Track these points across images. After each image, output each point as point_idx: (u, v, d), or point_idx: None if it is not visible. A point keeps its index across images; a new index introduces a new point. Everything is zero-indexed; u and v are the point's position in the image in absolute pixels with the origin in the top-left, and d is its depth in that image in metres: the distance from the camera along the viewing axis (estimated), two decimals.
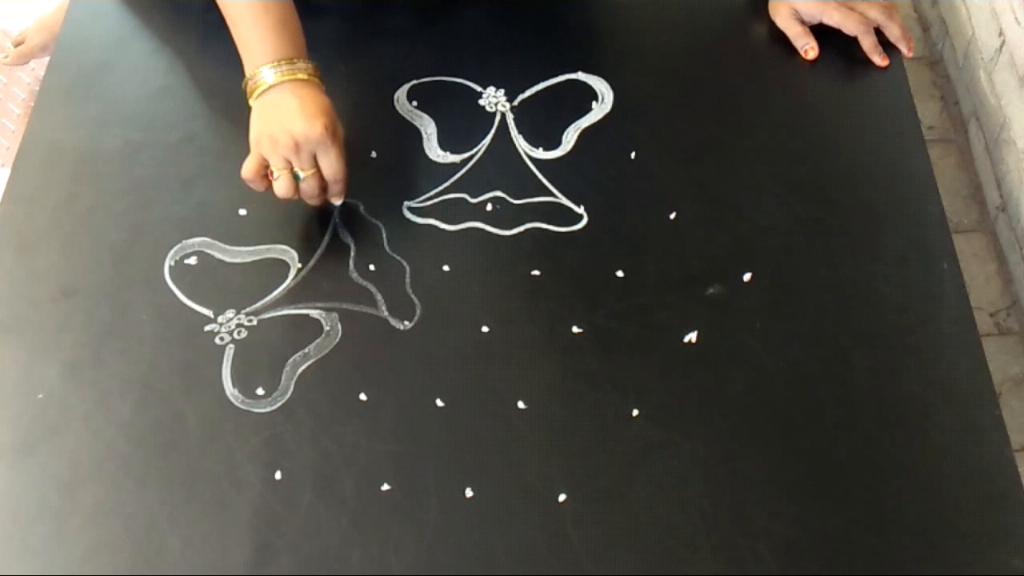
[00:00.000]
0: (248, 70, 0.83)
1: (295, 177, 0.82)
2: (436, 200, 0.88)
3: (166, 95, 0.97)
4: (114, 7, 1.04)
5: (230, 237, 0.86)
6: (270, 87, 0.81)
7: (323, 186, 0.83)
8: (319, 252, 0.85)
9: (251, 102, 0.83)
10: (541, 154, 0.91)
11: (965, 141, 1.45)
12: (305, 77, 0.82)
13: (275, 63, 0.81)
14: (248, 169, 0.82)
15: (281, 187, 0.81)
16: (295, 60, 0.82)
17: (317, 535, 0.71)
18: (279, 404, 0.77)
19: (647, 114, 0.94)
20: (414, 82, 0.97)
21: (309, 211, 0.87)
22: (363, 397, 0.77)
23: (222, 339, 0.80)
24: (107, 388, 0.78)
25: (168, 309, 0.82)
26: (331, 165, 0.82)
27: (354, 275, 0.84)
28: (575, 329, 0.80)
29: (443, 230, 0.87)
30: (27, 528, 0.72)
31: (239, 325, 0.81)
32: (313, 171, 0.82)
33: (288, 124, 0.80)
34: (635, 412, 0.76)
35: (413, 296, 0.83)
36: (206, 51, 1.00)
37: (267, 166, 0.82)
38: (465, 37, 1.00)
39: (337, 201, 0.85)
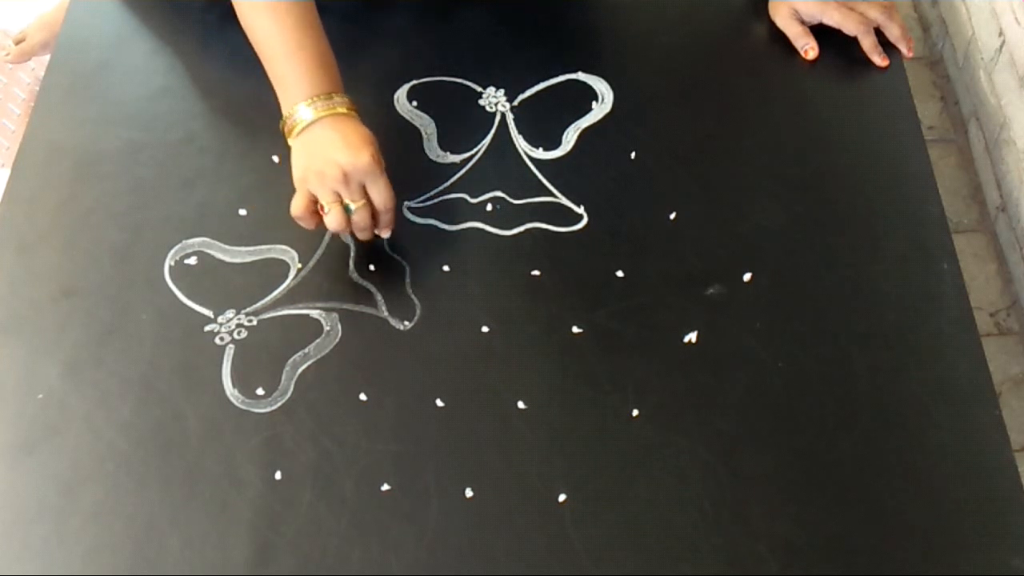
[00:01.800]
0: (285, 108, 0.81)
1: (346, 210, 0.80)
2: (436, 200, 0.89)
3: (166, 95, 0.97)
4: (114, 7, 1.04)
5: (230, 237, 0.86)
6: (309, 124, 0.79)
7: (374, 217, 0.82)
8: (319, 252, 0.85)
9: (291, 141, 0.81)
10: (541, 154, 0.91)
11: (965, 141, 1.45)
12: (344, 111, 0.80)
13: (311, 100, 0.80)
14: (297, 207, 0.80)
15: (334, 220, 0.80)
16: (332, 95, 0.81)
17: (317, 535, 0.71)
18: (279, 404, 0.77)
19: (647, 114, 0.94)
20: (414, 82, 0.97)
21: None
22: (363, 397, 0.77)
23: (222, 339, 0.80)
24: (107, 388, 0.78)
25: (168, 309, 0.82)
26: (381, 194, 0.80)
27: (354, 275, 0.84)
28: (575, 329, 0.80)
29: (443, 230, 0.87)
30: (27, 528, 0.72)
31: (239, 325, 0.81)
32: (364, 202, 0.80)
33: (334, 156, 0.78)
34: (635, 412, 0.76)
35: (413, 296, 0.83)
36: (206, 51, 1.00)
37: (316, 202, 0.81)
38: (465, 37, 1.00)
39: (386, 233, 0.83)
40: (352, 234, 0.83)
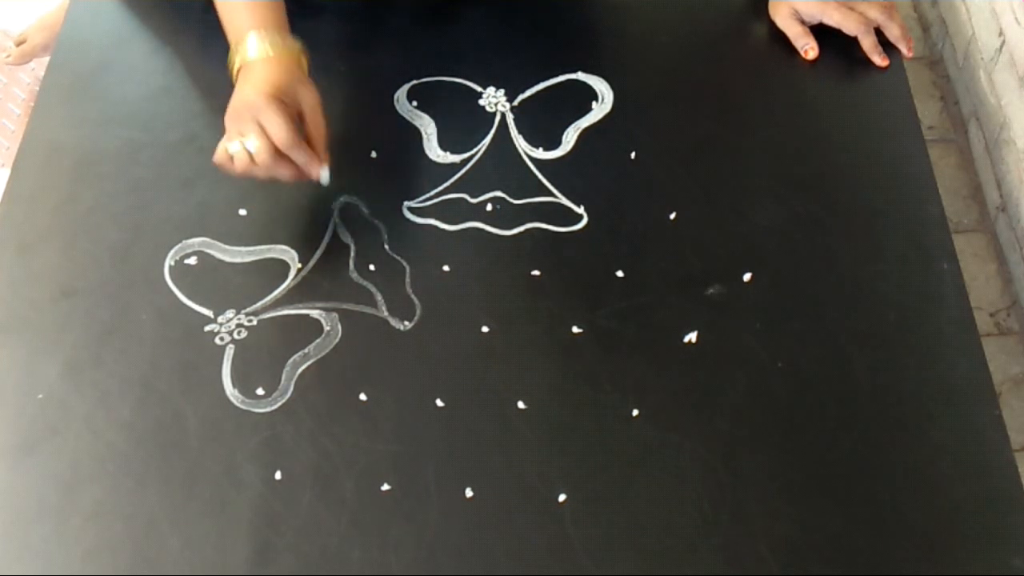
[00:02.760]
0: (233, 52, 0.84)
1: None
2: (436, 200, 0.89)
3: (166, 95, 0.97)
4: (114, 7, 1.04)
5: (230, 237, 0.86)
6: (238, 70, 0.83)
7: (279, 154, 0.80)
8: (319, 252, 0.85)
9: (234, 78, 0.84)
10: (541, 154, 0.91)
11: (965, 141, 1.45)
12: (268, 55, 0.81)
13: (234, 46, 0.83)
14: (238, 160, 0.80)
15: (239, 159, 0.79)
16: (258, 34, 0.82)
17: (317, 535, 0.71)
18: (279, 404, 0.77)
19: (647, 114, 0.94)
20: (414, 82, 0.97)
21: (309, 211, 0.87)
22: (363, 397, 0.77)
23: (222, 339, 0.80)
24: (107, 388, 0.78)
25: (168, 309, 0.82)
26: (274, 128, 0.78)
27: (354, 275, 0.84)
28: (575, 329, 0.80)
29: (443, 230, 0.87)
30: (27, 528, 0.72)
31: (239, 325, 0.81)
32: (254, 137, 0.79)
33: (234, 99, 0.81)
34: (635, 412, 0.76)
35: (413, 296, 0.83)
36: (206, 51, 1.00)
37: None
38: (465, 37, 1.00)
39: (316, 174, 0.81)
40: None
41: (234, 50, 0.83)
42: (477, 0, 1.02)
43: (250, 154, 0.79)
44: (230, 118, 0.81)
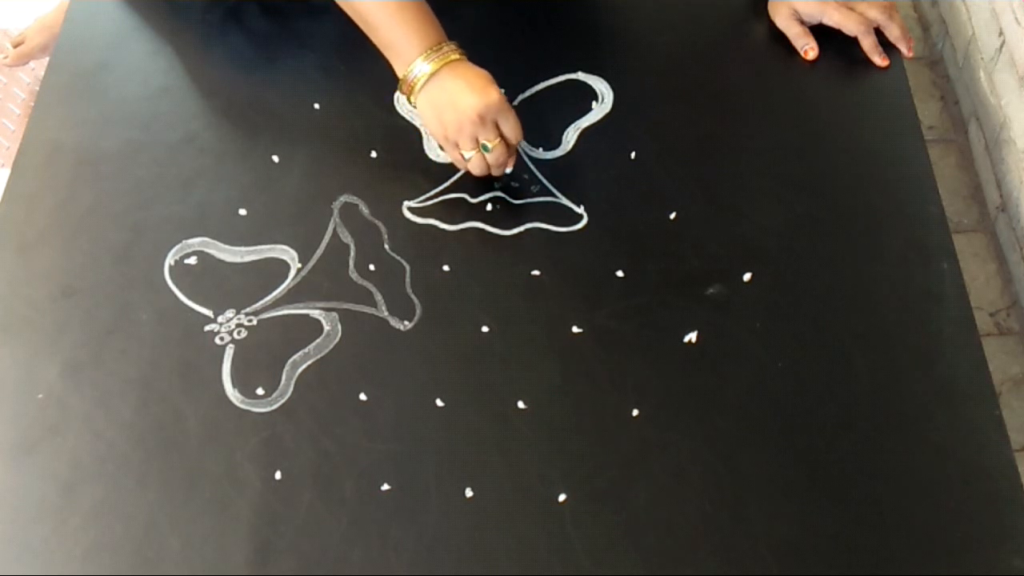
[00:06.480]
0: (400, 70, 0.84)
1: (484, 149, 0.84)
2: (436, 200, 0.89)
3: (166, 95, 0.97)
4: (114, 7, 1.04)
5: (230, 237, 0.86)
6: (429, 77, 0.82)
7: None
8: (319, 252, 0.85)
9: (414, 99, 0.84)
10: (541, 154, 0.91)
11: (965, 141, 1.45)
12: (457, 57, 0.83)
13: (425, 54, 0.82)
14: (476, 166, 0.85)
15: (477, 165, 0.84)
16: (441, 45, 0.83)
17: (317, 535, 0.71)
18: (279, 404, 0.77)
19: (647, 114, 0.94)
20: None
21: (309, 211, 0.87)
22: (363, 397, 0.77)
23: (222, 339, 0.80)
24: (107, 388, 0.78)
25: (168, 309, 0.82)
26: (513, 127, 0.84)
27: (354, 275, 0.84)
28: (575, 329, 0.80)
29: (443, 230, 0.87)
30: (27, 528, 0.72)
31: (239, 325, 0.81)
32: (499, 139, 0.83)
33: (465, 103, 0.81)
34: (635, 412, 0.76)
35: (413, 296, 0.83)
36: (206, 51, 1.00)
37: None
38: (465, 37, 1.00)
39: (511, 167, 0.87)
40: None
41: (425, 57, 0.82)
42: (476, 0, 1.02)
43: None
44: (471, 123, 0.81)
